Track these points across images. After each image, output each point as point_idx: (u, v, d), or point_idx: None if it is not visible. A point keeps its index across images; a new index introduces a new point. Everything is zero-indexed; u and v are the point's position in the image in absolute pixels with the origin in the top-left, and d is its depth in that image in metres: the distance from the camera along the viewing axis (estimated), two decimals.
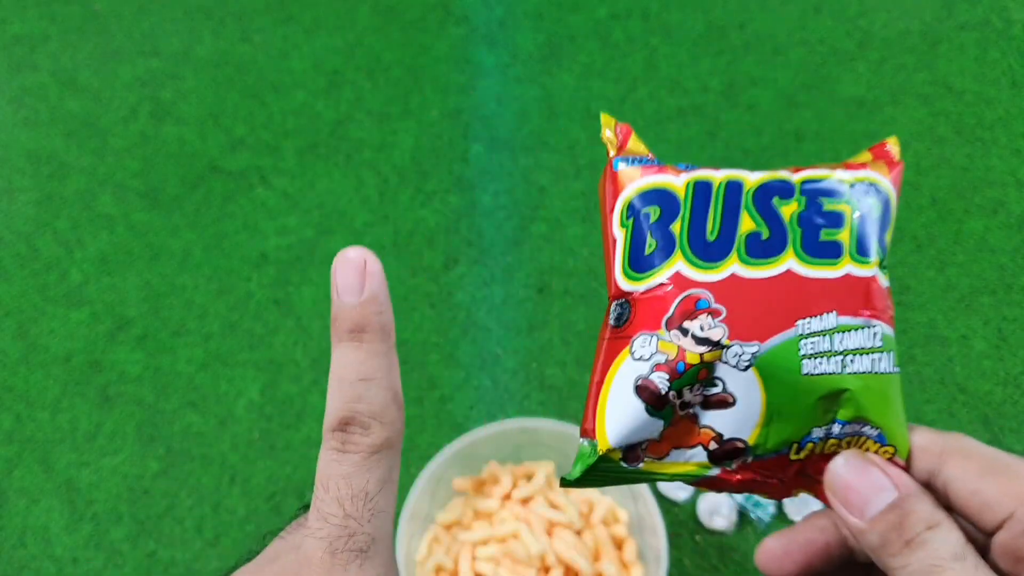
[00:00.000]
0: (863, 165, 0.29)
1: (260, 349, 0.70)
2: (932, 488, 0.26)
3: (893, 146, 0.30)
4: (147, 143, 0.83)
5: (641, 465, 0.27)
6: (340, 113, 0.85)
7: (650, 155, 0.30)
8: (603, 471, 0.27)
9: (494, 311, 0.72)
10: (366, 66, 0.88)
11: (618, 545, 0.57)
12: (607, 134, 0.31)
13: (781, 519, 0.62)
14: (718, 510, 0.61)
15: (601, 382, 0.27)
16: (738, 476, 0.27)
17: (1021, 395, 0.67)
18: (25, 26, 0.92)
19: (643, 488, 0.55)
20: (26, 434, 0.67)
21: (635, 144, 0.30)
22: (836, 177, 0.29)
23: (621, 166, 0.29)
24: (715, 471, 0.27)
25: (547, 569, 0.54)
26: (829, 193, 0.28)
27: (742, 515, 0.62)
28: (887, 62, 0.86)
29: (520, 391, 0.68)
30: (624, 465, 0.27)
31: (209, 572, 0.61)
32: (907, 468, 0.26)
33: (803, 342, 0.26)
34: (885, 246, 0.28)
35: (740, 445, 0.27)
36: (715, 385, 0.26)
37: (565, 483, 0.27)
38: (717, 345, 0.26)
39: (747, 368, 0.26)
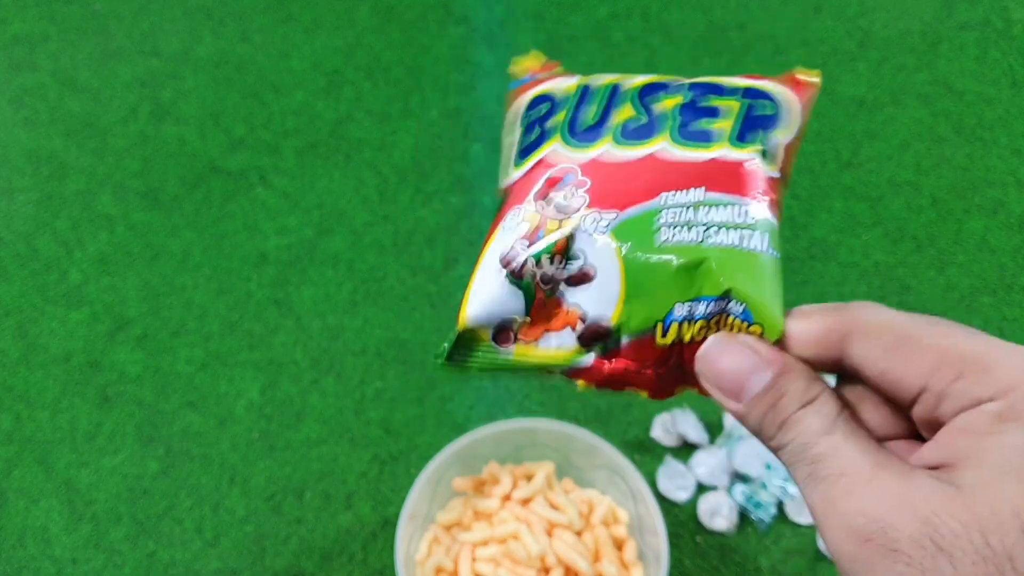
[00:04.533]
0: (763, 78, 0.29)
1: (260, 349, 0.70)
2: (844, 370, 0.24)
3: (805, 74, 0.30)
4: (147, 143, 0.83)
5: (513, 348, 0.27)
6: (340, 113, 0.85)
7: (554, 68, 0.32)
8: (475, 353, 0.27)
9: None
10: (366, 66, 0.88)
11: (618, 546, 0.57)
12: (523, 65, 0.32)
13: (783, 521, 0.61)
14: (719, 511, 0.61)
15: (477, 262, 0.28)
16: (611, 365, 0.27)
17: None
18: (25, 26, 0.92)
19: (643, 488, 0.55)
20: (26, 434, 0.67)
21: (554, 72, 0.32)
22: (725, 80, 0.29)
23: (517, 82, 0.31)
24: (588, 357, 0.27)
25: (547, 570, 0.54)
26: (717, 90, 0.29)
27: (743, 516, 0.62)
28: (887, 62, 0.86)
29: (520, 391, 0.68)
30: (495, 346, 0.27)
31: (209, 572, 0.61)
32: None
33: (663, 212, 0.26)
34: (775, 144, 0.27)
35: (605, 325, 0.26)
36: (576, 259, 0.26)
37: (439, 365, 0.28)
38: (576, 212, 0.26)
39: (603, 233, 0.26)
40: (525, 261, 0.26)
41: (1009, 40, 0.87)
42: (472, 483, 0.59)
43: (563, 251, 0.26)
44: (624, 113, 0.28)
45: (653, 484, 0.63)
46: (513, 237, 0.27)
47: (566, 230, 0.26)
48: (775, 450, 0.24)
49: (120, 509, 0.63)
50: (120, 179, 0.81)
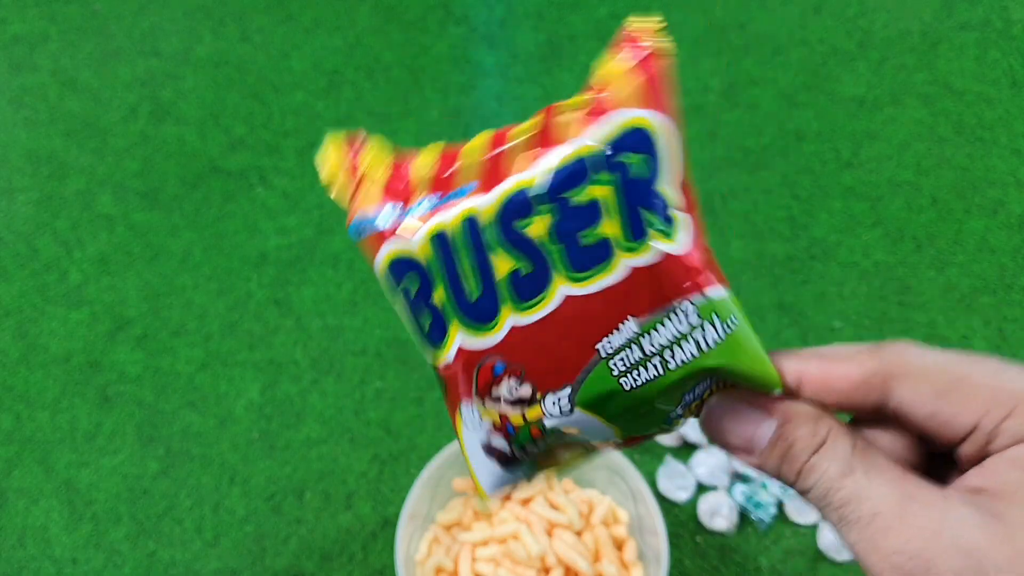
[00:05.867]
0: (612, 96, 0.23)
1: (260, 349, 0.70)
2: (883, 412, 0.24)
3: (648, 35, 0.23)
4: (147, 143, 0.83)
5: (535, 473, 0.28)
6: (340, 113, 0.85)
7: (389, 175, 0.26)
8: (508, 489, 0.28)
9: None
10: (366, 66, 0.88)
11: (618, 546, 0.57)
12: (331, 166, 0.27)
13: (783, 520, 0.61)
14: (719, 511, 0.61)
15: (459, 440, 0.27)
16: (625, 444, 0.27)
17: None
18: (25, 26, 0.92)
19: (643, 488, 0.55)
20: (26, 434, 0.67)
21: (372, 159, 0.27)
22: (577, 152, 0.23)
23: (357, 232, 0.26)
24: (604, 448, 0.27)
25: (547, 570, 0.54)
26: (574, 180, 0.23)
27: (743, 516, 0.62)
28: (887, 62, 0.86)
29: None
30: (521, 482, 0.28)
31: (209, 572, 0.61)
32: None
33: (611, 362, 0.23)
34: (665, 200, 0.23)
35: (612, 441, 0.26)
36: (554, 434, 0.25)
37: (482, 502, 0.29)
38: (532, 402, 0.25)
39: (571, 412, 0.24)
40: (511, 453, 0.26)
41: (1009, 40, 0.87)
42: (472, 483, 0.59)
43: (540, 436, 0.25)
44: (503, 265, 0.24)
45: (653, 484, 0.63)
46: (484, 432, 0.26)
47: (535, 421, 0.25)
48: (800, 494, 0.24)
49: (120, 509, 0.63)
50: (120, 179, 0.81)
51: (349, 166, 0.27)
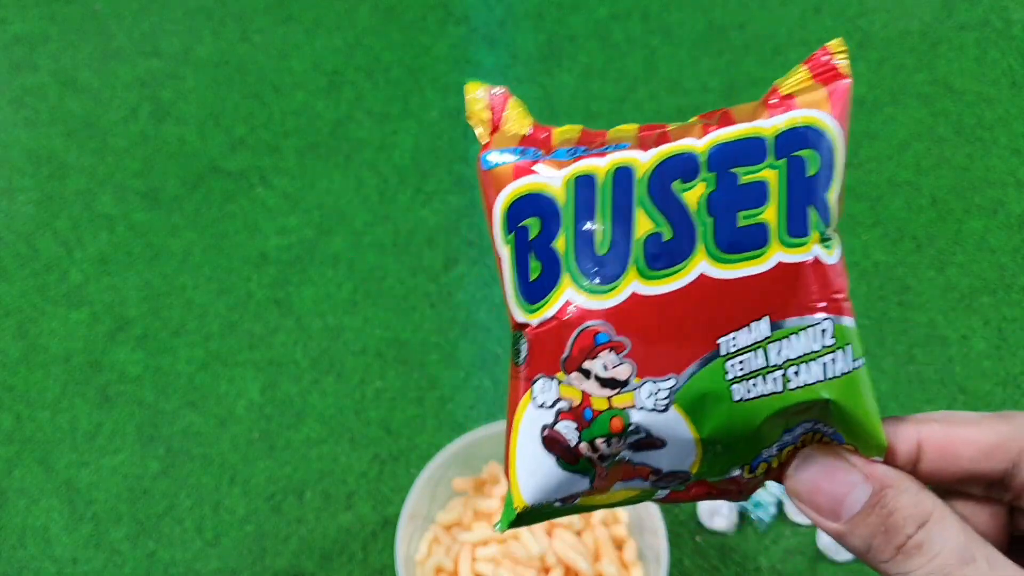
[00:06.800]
0: (791, 97, 0.22)
1: (260, 349, 0.70)
2: (1005, 486, 0.22)
3: (837, 55, 0.23)
4: (147, 143, 0.83)
5: (578, 502, 0.24)
6: (340, 113, 0.85)
7: (530, 131, 0.25)
8: (537, 515, 0.24)
9: (494, 311, 0.72)
10: (366, 66, 0.88)
11: (618, 545, 0.57)
12: (476, 110, 0.25)
13: (783, 520, 0.62)
14: (718, 510, 0.61)
15: (510, 427, 0.23)
16: (691, 492, 0.24)
17: (1021, 395, 0.67)
18: (25, 26, 0.92)
19: None
20: (26, 434, 0.67)
21: (515, 117, 0.25)
22: (754, 130, 0.22)
23: (492, 161, 0.24)
24: (663, 493, 0.24)
25: (547, 569, 0.54)
26: (745, 157, 0.22)
27: (743, 515, 0.62)
28: (887, 62, 0.86)
29: None
30: (560, 506, 0.24)
31: (209, 572, 0.61)
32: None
33: (729, 363, 0.21)
34: (829, 209, 0.22)
35: (683, 475, 0.23)
36: (636, 434, 0.22)
37: (499, 531, 0.24)
38: (625, 385, 0.22)
39: (666, 409, 0.22)
40: (577, 444, 0.22)
41: (1009, 40, 0.87)
42: (472, 483, 0.59)
43: (621, 431, 0.22)
44: (642, 226, 0.22)
45: None
46: (552, 414, 0.22)
47: (619, 409, 0.22)
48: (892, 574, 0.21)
49: (120, 509, 0.63)
50: (120, 179, 0.81)
51: (490, 115, 0.25)
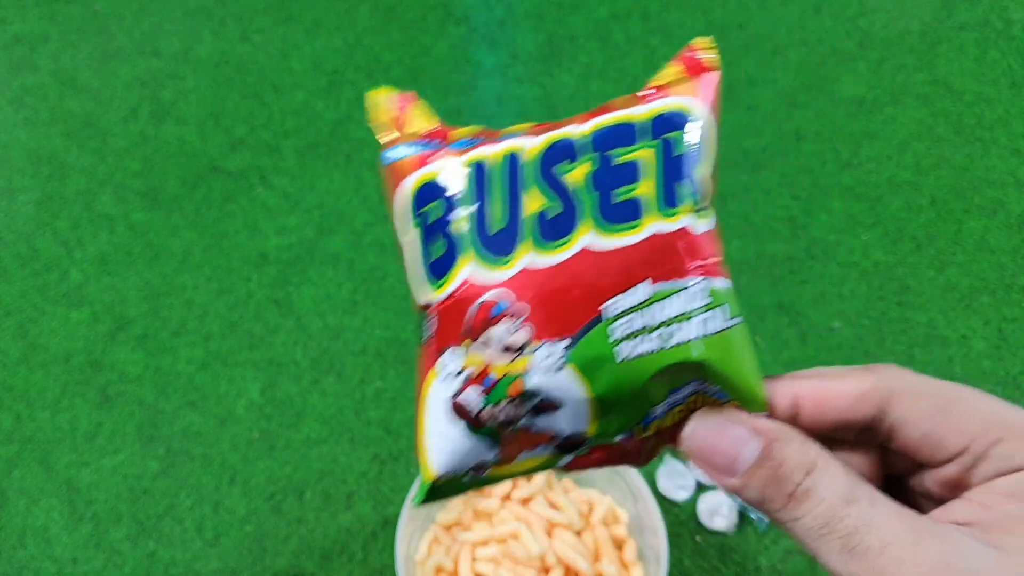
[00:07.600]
0: (665, 88, 0.25)
1: (260, 349, 0.70)
2: (875, 431, 0.24)
3: (704, 51, 0.26)
4: (147, 143, 0.83)
5: (489, 471, 0.26)
6: (340, 113, 0.85)
7: (435, 128, 0.27)
8: (449, 488, 0.26)
9: None
10: (366, 66, 0.88)
11: (618, 545, 0.57)
12: (378, 113, 0.27)
13: None
14: (718, 510, 0.61)
15: (419, 405, 0.25)
16: (594, 456, 0.26)
17: (1021, 395, 0.67)
18: (25, 26, 0.92)
19: (643, 488, 0.55)
20: (26, 434, 0.67)
21: (419, 116, 0.27)
22: (627, 116, 0.25)
23: (394, 156, 0.26)
24: (567, 459, 0.26)
25: (547, 569, 0.54)
26: (621, 139, 0.25)
27: (742, 515, 0.62)
28: (887, 62, 0.86)
29: None
30: (472, 476, 0.25)
31: (209, 572, 0.61)
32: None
33: (613, 326, 0.23)
34: (699, 184, 0.24)
35: (581, 438, 0.25)
36: (535, 395, 0.24)
37: (416, 505, 0.26)
38: (523, 349, 0.24)
39: (560, 368, 0.23)
40: (481, 410, 0.24)
41: (1009, 40, 0.87)
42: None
43: (520, 394, 0.24)
44: (534, 202, 0.24)
45: (653, 484, 0.63)
46: (459, 382, 0.24)
47: (518, 373, 0.24)
48: (784, 522, 0.23)
49: (120, 509, 0.63)
50: (120, 179, 0.81)
51: (395, 116, 0.27)
